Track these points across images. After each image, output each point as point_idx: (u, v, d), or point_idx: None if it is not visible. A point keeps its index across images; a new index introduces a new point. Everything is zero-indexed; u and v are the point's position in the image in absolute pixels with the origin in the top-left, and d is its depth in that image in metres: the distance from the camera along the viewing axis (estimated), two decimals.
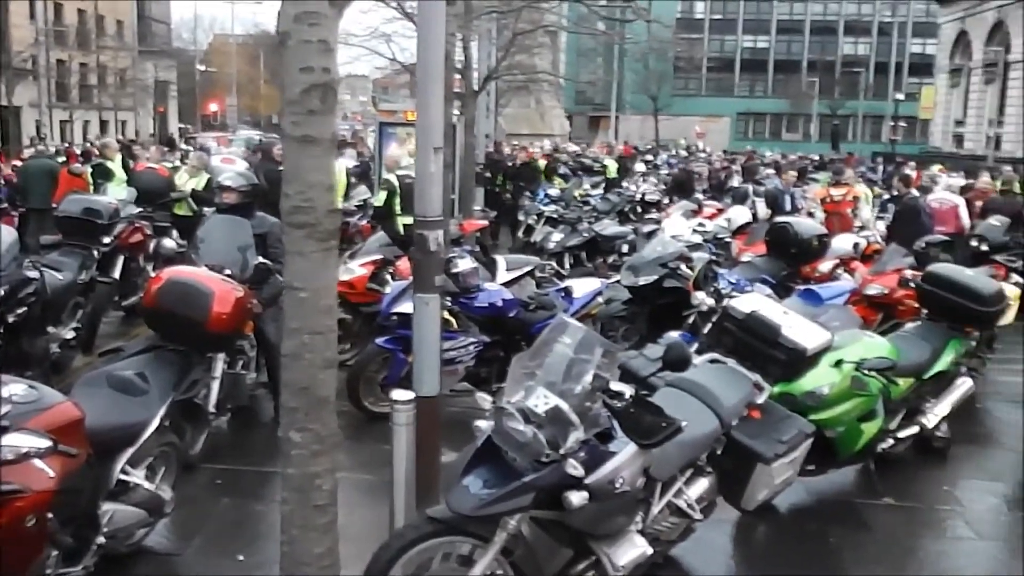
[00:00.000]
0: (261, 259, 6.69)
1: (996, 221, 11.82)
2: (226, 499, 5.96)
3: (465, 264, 7.42)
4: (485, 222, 14.24)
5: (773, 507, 5.90)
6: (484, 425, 4.09)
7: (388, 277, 8.42)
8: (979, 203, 13.60)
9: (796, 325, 5.24)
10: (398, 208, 9.62)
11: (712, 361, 5.31)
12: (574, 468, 3.81)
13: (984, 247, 11.29)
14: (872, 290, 9.12)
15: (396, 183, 9.73)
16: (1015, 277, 9.48)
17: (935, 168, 22.56)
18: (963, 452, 7.23)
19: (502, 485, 3.84)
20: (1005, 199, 14.32)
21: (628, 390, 4.02)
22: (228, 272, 6.20)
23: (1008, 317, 8.32)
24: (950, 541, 5.83)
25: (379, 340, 7.25)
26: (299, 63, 3.38)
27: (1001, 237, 11.45)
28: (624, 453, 4.01)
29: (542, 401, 3.90)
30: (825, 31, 73.38)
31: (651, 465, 4.22)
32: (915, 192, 13.21)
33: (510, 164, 20.44)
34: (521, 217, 15.61)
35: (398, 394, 4.90)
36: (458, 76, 14.72)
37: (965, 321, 7.10)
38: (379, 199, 9.96)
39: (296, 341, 3.63)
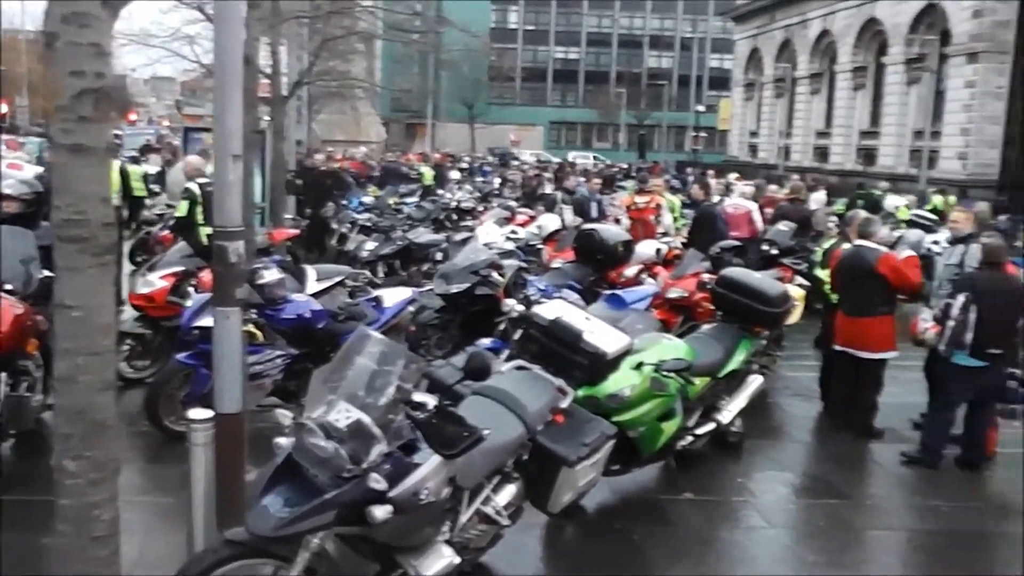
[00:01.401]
0: (47, 273, 6.25)
1: (784, 226, 12.59)
2: (9, 533, 5.52)
3: (271, 275, 7.19)
4: (296, 231, 13.91)
5: (581, 508, 6.04)
6: (284, 442, 3.97)
7: (190, 290, 8.06)
8: (769, 209, 14.46)
9: (597, 330, 5.38)
10: (200, 218, 9.24)
11: (518, 368, 5.37)
12: (377, 482, 3.76)
13: (774, 251, 11.99)
14: (673, 294, 9.51)
15: (198, 191, 9.34)
16: (799, 279, 10.11)
17: (732, 176, 23.90)
18: (756, 445, 7.64)
19: (303, 503, 3.74)
20: (793, 206, 15.29)
21: (431, 400, 3.99)
22: (9, 287, 5.76)
23: (794, 317, 8.89)
24: (744, 531, 6.13)
25: (180, 356, 6.92)
26: (69, 67, 3.15)
27: (788, 241, 12.20)
28: (428, 464, 3.99)
29: (343, 415, 3.82)
30: (632, 44, 76.41)
31: (457, 474, 4.22)
32: (717, 199, 13.94)
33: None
34: (334, 226, 15.34)
35: (195, 413, 4.68)
36: (266, 81, 14.33)
37: (754, 321, 7.52)
38: (181, 208, 9.53)
39: (69, 363, 3.39)
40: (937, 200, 20.42)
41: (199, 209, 9.29)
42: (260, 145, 14.14)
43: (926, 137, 29.04)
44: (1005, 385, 7.25)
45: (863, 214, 8.88)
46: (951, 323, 7.06)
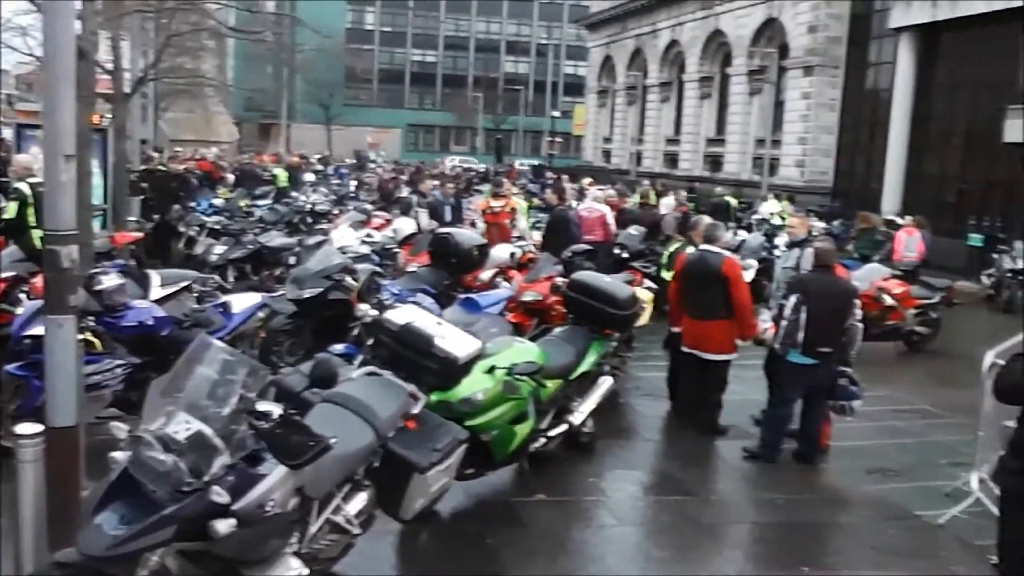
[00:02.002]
0: None
1: (635, 231, 12.94)
2: None
3: (110, 280, 6.87)
4: (139, 234, 13.34)
5: (435, 512, 6.01)
6: (120, 456, 3.78)
7: (22, 296, 7.59)
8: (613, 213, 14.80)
9: (449, 335, 5.37)
10: (32, 220, 8.73)
11: (369, 374, 5.30)
12: (219, 495, 3.63)
13: (625, 254, 12.30)
14: (527, 297, 9.60)
15: (28, 192, 8.83)
16: (648, 282, 10.39)
17: (585, 181, 24.35)
18: (607, 445, 7.79)
19: (140, 520, 3.57)
20: (643, 211, 15.76)
21: (276, 410, 3.89)
22: None
23: (643, 319, 9.11)
24: (595, 530, 6.25)
25: (10, 367, 6.51)
26: None
27: (638, 245, 12.54)
28: (274, 475, 3.88)
29: (183, 427, 3.68)
30: (489, 49, 76.94)
31: (305, 484, 4.13)
32: (574, 203, 14.18)
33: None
34: (182, 229, 14.77)
35: (22, 427, 4.42)
36: (106, 77, 13.70)
37: (605, 324, 7.68)
38: (10, 210, 8.99)
39: None
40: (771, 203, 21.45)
41: (30, 211, 8.79)
42: (101, 144, 13.52)
43: (767, 145, 30.39)
44: (836, 382, 7.66)
45: (707, 219, 9.20)
46: (784, 323, 7.43)
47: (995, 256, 18.74)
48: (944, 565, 5.94)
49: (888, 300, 12.00)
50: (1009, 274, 17.64)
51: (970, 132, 25.94)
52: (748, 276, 10.49)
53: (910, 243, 16.16)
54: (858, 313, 7.65)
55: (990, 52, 24.88)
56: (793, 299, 7.44)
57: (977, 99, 25.54)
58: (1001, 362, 4.98)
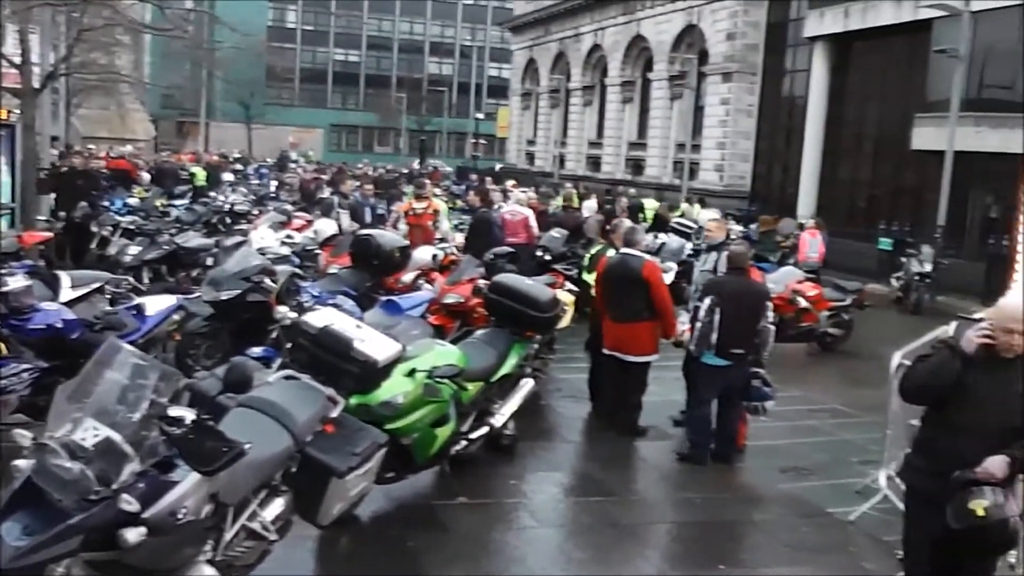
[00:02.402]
0: None
1: (557, 233, 13.02)
2: None
3: (16, 282, 6.67)
4: (49, 234, 12.92)
5: (355, 517, 5.95)
6: (24, 464, 3.65)
7: None
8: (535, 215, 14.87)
9: (368, 338, 5.32)
10: None
11: (287, 377, 5.22)
12: (129, 503, 3.53)
13: (547, 257, 12.36)
14: (449, 299, 9.58)
15: None
16: (570, 285, 10.45)
17: (509, 183, 24.45)
18: (529, 447, 7.82)
19: (44, 530, 3.45)
20: (566, 213, 15.85)
21: (189, 415, 3.80)
22: None
23: (564, 321, 9.17)
24: (516, 532, 6.25)
25: None
26: None
27: (561, 248, 12.62)
28: (187, 482, 3.79)
29: (91, 433, 3.57)
30: (412, 50, 76.53)
31: (219, 490, 4.04)
32: (502, 205, 14.19)
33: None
34: (94, 229, 14.33)
35: None
36: (14, 71, 13.25)
37: (526, 326, 7.70)
38: None
39: None
40: (684, 207, 21.85)
41: None
42: (9, 141, 13.08)
43: (687, 150, 30.88)
44: (749, 383, 7.82)
45: (627, 223, 9.30)
46: (698, 325, 7.57)
47: (904, 260, 19.36)
48: (854, 561, 6.10)
49: (803, 302, 12.31)
50: (917, 277, 18.25)
51: (881, 139, 26.78)
52: (668, 279, 10.65)
53: (813, 244, 16.65)
54: (770, 315, 7.84)
55: (899, 61, 25.74)
56: (707, 301, 7.59)
57: (887, 107, 26.36)
58: (907, 363, 5.14)
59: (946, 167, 19.75)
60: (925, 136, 22.87)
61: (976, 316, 5.52)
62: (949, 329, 5.71)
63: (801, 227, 19.11)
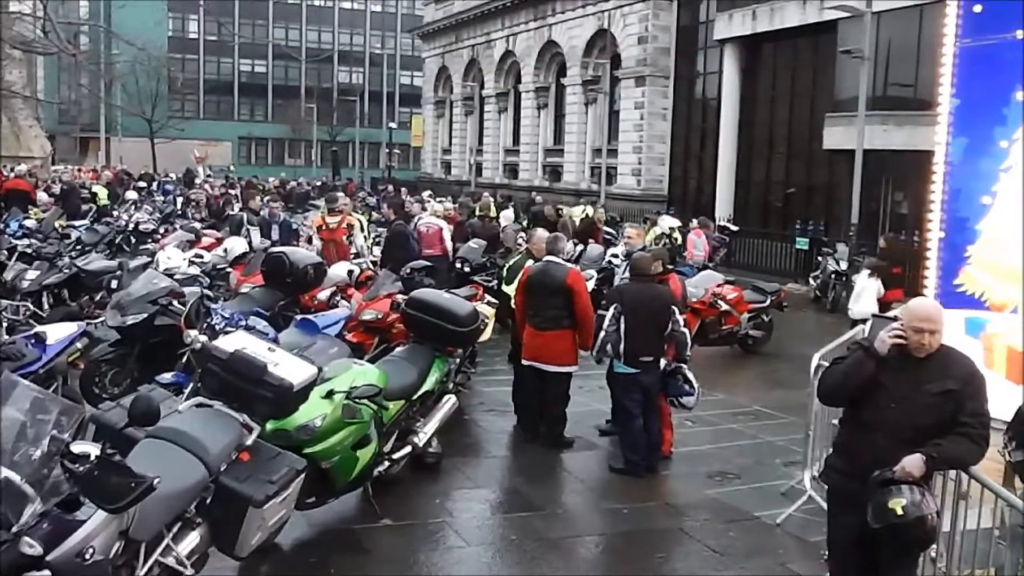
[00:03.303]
0: None
1: (475, 244, 13.03)
2: None
3: None
4: None
5: (275, 545, 5.86)
6: None
7: None
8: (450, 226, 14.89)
9: (282, 361, 5.23)
10: None
11: (198, 405, 5.11)
12: (30, 547, 3.42)
13: (466, 268, 12.37)
14: (367, 316, 9.50)
15: None
16: (489, 297, 10.45)
17: (425, 194, 24.37)
18: (453, 464, 7.79)
19: None
20: (484, 224, 15.88)
21: (93, 450, 3.69)
22: None
23: (485, 334, 9.16)
24: (442, 552, 6.22)
25: None
26: None
27: (480, 259, 12.64)
28: (93, 520, 3.68)
29: None
30: (320, 59, 75.64)
31: (129, 527, 3.93)
32: (424, 216, 14.15)
33: None
34: None
35: None
36: None
37: (446, 341, 7.69)
38: None
39: None
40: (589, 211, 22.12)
41: None
42: None
43: (604, 155, 31.24)
44: (660, 388, 7.95)
45: (541, 232, 9.36)
46: (602, 334, 7.69)
47: (820, 259, 19.88)
48: (781, 563, 6.23)
49: (723, 305, 12.55)
50: (833, 275, 18.73)
51: (793, 139, 27.53)
52: (588, 286, 10.74)
53: (698, 244, 17.53)
54: (680, 319, 7.95)
55: (807, 62, 26.56)
56: (611, 310, 7.71)
57: (798, 107, 27.16)
58: (825, 364, 5.27)
59: (857, 165, 20.37)
60: (835, 135, 23.58)
61: (890, 315, 5.70)
62: (865, 328, 5.89)
63: (724, 230, 19.62)
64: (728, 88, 28.88)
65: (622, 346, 7.65)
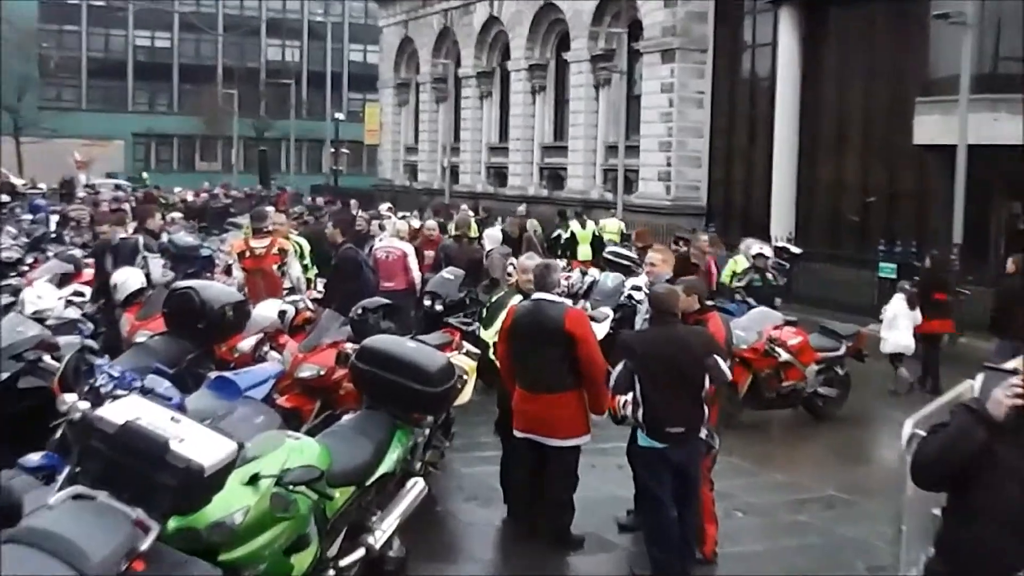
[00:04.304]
0: None
1: (450, 274, 13.02)
2: None
3: None
4: None
5: None
6: None
7: None
8: (429, 252, 14.92)
9: (190, 435, 5.18)
10: None
11: (76, 496, 5.06)
12: None
13: (438, 307, 12.36)
14: (305, 372, 9.48)
15: None
16: (468, 346, 10.39)
17: (383, 207, 24.46)
18: (422, 572, 7.74)
19: None
20: (461, 246, 15.85)
21: None
22: None
23: (464, 395, 9.13)
24: None
25: None
26: None
27: (456, 294, 12.63)
28: None
29: None
30: (243, 31, 76.03)
31: None
32: (380, 237, 14.19)
33: None
34: None
35: None
36: None
37: (411, 406, 7.64)
38: None
39: None
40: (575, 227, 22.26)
41: None
42: None
43: (621, 153, 31.30)
44: (699, 469, 7.89)
45: (527, 260, 9.33)
46: (621, 398, 7.61)
47: None
48: None
49: (783, 355, 12.49)
50: None
51: (872, 132, 27.62)
52: (601, 331, 10.75)
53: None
54: (726, 372, 7.93)
55: (891, 29, 26.63)
56: (619, 367, 7.64)
57: (879, 89, 27.15)
58: (922, 433, 5.24)
59: (959, 165, 20.35)
60: (929, 126, 23.55)
61: (1008, 367, 5.68)
62: (974, 385, 5.86)
63: (783, 252, 19.59)
64: (785, 65, 29.00)
65: (640, 412, 7.58)
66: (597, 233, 22.72)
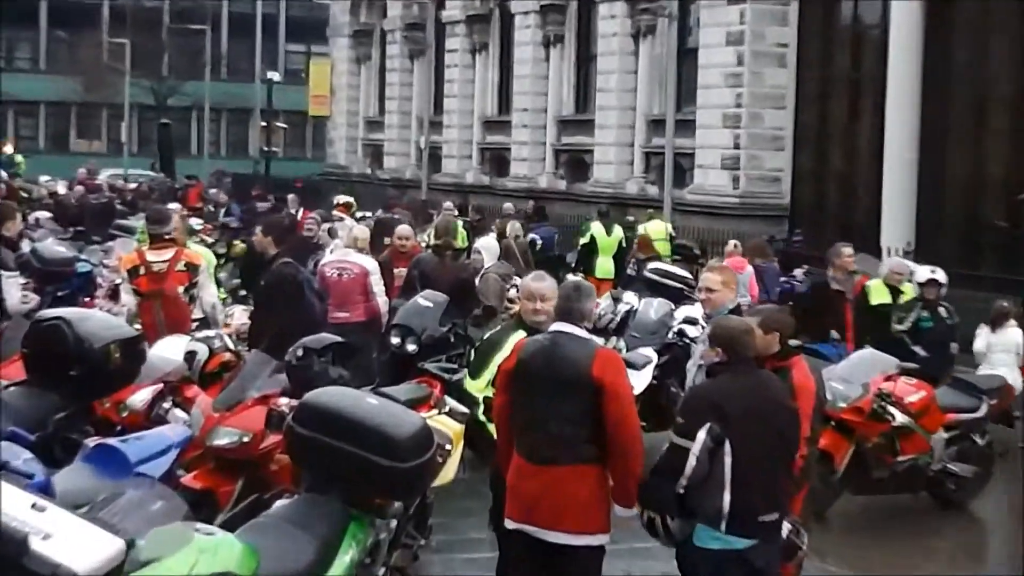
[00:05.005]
0: None
1: (427, 301, 12.99)
2: None
3: None
4: None
5: None
6: None
7: None
8: (399, 268, 14.93)
9: (58, 529, 5.22)
10: None
11: None
12: None
13: (411, 347, 12.34)
14: (222, 439, 9.46)
15: None
16: (452, 402, 10.33)
17: (339, 200, 24.54)
18: None
19: None
20: (442, 261, 15.87)
21: None
22: None
23: (446, 473, 9.12)
24: None
25: None
26: None
27: (437, 328, 12.59)
28: None
29: None
30: None
31: None
32: (330, 248, 14.18)
33: None
34: None
35: None
36: None
37: (371, 488, 7.64)
38: None
39: None
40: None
41: None
42: None
43: (669, 131, 31.29)
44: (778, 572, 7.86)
45: (535, 282, 9.31)
46: (683, 480, 7.52)
47: None
48: None
49: (899, 416, 12.38)
50: None
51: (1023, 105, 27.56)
52: (641, 382, 10.75)
53: (744, 282, 16.93)
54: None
55: None
56: (702, 436, 7.52)
57: None
58: None
59: None
60: None
61: None
62: None
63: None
64: (902, 8, 28.96)
65: (726, 498, 7.47)
66: (624, 243, 22.75)
